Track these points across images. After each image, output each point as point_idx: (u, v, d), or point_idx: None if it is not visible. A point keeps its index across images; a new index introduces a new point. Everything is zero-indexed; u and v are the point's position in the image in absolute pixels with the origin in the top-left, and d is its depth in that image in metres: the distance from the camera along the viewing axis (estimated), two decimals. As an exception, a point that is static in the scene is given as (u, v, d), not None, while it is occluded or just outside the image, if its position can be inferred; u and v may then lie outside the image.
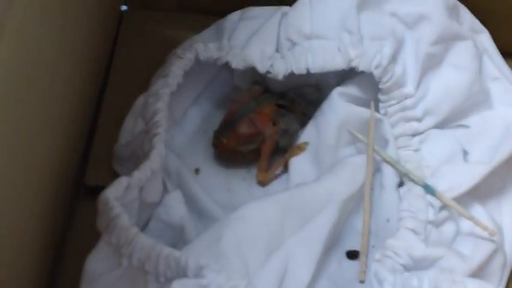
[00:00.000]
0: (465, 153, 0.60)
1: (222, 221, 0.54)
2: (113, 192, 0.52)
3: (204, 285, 0.48)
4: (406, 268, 0.54)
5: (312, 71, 0.60)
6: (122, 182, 0.53)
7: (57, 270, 0.59)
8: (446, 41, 0.61)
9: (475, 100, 0.61)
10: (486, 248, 0.56)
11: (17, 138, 0.48)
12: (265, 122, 0.61)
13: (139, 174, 0.54)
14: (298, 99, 0.64)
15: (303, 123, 0.63)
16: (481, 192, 0.59)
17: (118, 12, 0.71)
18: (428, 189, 0.57)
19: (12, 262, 0.50)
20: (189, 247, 0.53)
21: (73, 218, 0.61)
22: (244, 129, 0.61)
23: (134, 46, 0.69)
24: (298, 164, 0.61)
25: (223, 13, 0.66)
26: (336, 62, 0.60)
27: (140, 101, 0.61)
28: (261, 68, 0.60)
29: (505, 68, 0.64)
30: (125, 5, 0.71)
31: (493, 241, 0.56)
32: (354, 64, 0.59)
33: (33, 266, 0.55)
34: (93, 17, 0.63)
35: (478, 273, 0.55)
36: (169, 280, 0.49)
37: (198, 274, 0.48)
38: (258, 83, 0.64)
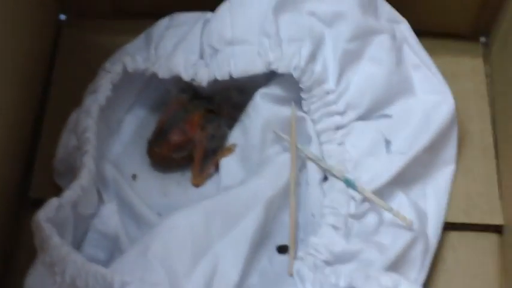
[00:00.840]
0: (388, 142, 0.62)
1: (149, 233, 0.56)
2: (44, 214, 0.54)
3: None
4: (328, 263, 0.56)
5: (235, 76, 0.61)
6: (53, 203, 0.55)
7: (5, 283, 0.60)
8: (363, 36, 0.62)
9: (396, 90, 0.63)
10: (405, 237, 0.57)
11: None
12: (194, 129, 0.63)
13: (70, 193, 0.56)
14: (224, 103, 0.65)
15: (231, 126, 0.65)
16: (405, 179, 0.61)
17: (56, 22, 0.71)
18: (349, 183, 0.59)
19: None
20: (118, 261, 0.54)
21: (19, 231, 0.62)
22: (175, 137, 0.62)
23: (74, 55, 0.70)
24: (228, 164, 0.63)
25: (157, 15, 0.66)
26: (256, 66, 0.61)
27: (73, 116, 0.62)
28: (186, 76, 0.61)
29: (424, 56, 0.65)
30: (62, 14, 0.72)
31: (412, 230, 0.57)
32: (273, 67, 0.61)
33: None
34: (30, 28, 0.64)
35: (399, 262, 0.57)
36: None
37: None
38: (185, 89, 0.65)
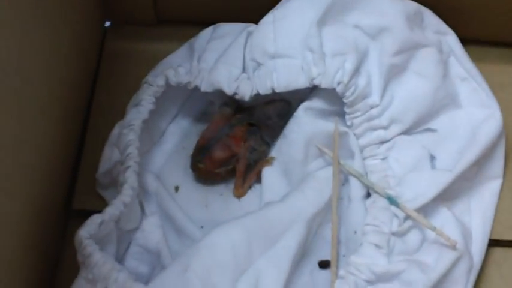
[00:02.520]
0: (432, 158, 0.61)
1: (190, 250, 0.56)
2: (86, 231, 0.55)
3: None
4: (369, 283, 0.56)
5: (277, 91, 0.61)
6: (95, 219, 0.55)
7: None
8: (408, 50, 0.61)
9: (441, 104, 0.62)
10: (449, 256, 0.56)
11: (12, 171, 0.51)
12: (238, 143, 0.63)
13: (112, 210, 0.57)
14: (264, 118, 0.64)
15: (272, 137, 0.64)
16: (449, 195, 0.60)
17: (102, 28, 0.71)
18: (392, 201, 0.58)
19: (7, 284, 0.53)
20: (159, 278, 0.55)
21: (63, 241, 0.62)
22: (219, 154, 0.62)
23: (117, 61, 0.70)
24: (270, 178, 0.63)
25: (199, 23, 0.67)
26: (299, 81, 0.61)
27: (115, 130, 0.62)
28: (228, 90, 0.61)
29: (472, 68, 0.64)
30: (108, 20, 0.72)
31: (456, 250, 0.56)
32: (316, 82, 0.60)
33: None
34: (78, 34, 0.65)
35: (442, 281, 0.56)
36: None
37: None
38: (228, 103, 0.65)
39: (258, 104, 0.65)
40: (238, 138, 0.63)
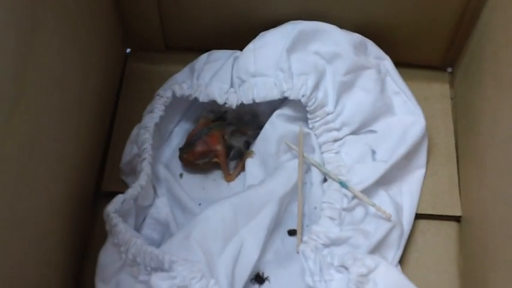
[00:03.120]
0: (373, 152, 0.62)
1: (191, 222, 0.57)
2: (112, 207, 0.56)
3: (173, 276, 0.51)
4: (326, 246, 0.57)
5: (257, 101, 0.61)
6: (119, 198, 0.57)
7: (84, 260, 0.61)
8: (355, 71, 0.62)
9: (379, 111, 0.62)
10: (385, 226, 0.58)
11: (49, 165, 0.52)
12: (214, 142, 0.63)
13: (132, 191, 0.58)
14: (237, 122, 0.65)
15: (247, 139, 0.65)
16: (386, 180, 0.61)
17: (124, 55, 0.72)
18: (343, 184, 0.59)
19: (45, 255, 0.53)
20: (167, 244, 0.56)
21: (94, 218, 0.63)
22: (199, 148, 0.63)
23: (136, 79, 0.70)
24: (251, 168, 0.64)
25: (198, 50, 0.67)
26: (273, 94, 0.61)
27: (135, 131, 0.63)
28: (220, 100, 0.62)
29: (403, 85, 0.64)
30: (128, 48, 0.72)
31: (390, 221, 0.58)
32: (286, 95, 0.61)
33: (64, 259, 0.57)
34: (105, 58, 0.65)
35: (380, 245, 0.58)
36: (153, 269, 0.53)
37: (170, 267, 0.52)
38: (214, 111, 0.66)
39: (234, 114, 0.66)
40: (214, 137, 0.63)
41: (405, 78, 0.65)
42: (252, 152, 0.64)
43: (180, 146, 0.64)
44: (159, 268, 0.53)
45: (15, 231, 0.47)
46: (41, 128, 0.50)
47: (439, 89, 0.69)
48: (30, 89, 0.46)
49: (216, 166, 0.65)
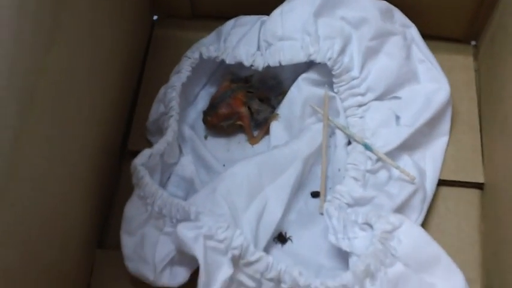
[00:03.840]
0: (397, 118, 0.62)
1: (217, 178, 0.57)
2: (139, 160, 0.56)
3: (199, 226, 0.51)
4: (349, 205, 0.57)
5: (283, 64, 0.61)
6: (146, 152, 0.57)
7: (110, 214, 0.62)
8: (381, 37, 0.62)
9: (404, 78, 0.63)
10: (409, 188, 0.58)
11: (79, 118, 0.52)
12: (238, 104, 0.63)
13: (158, 146, 0.58)
14: (261, 86, 0.65)
15: (268, 103, 0.65)
16: (410, 145, 0.61)
17: (151, 22, 0.72)
18: (367, 147, 0.60)
19: (75, 209, 0.54)
20: (193, 197, 0.56)
21: (120, 175, 0.64)
22: (223, 110, 0.63)
23: (163, 45, 0.70)
24: (276, 130, 0.64)
25: (225, 17, 0.67)
26: (300, 57, 0.61)
27: (162, 90, 0.63)
28: (246, 63, 0.62)
29: (428, 53, 0.64)
30: (156, 15, 0.73)
31: (414, 184, 0.58)
32: (312, 58, 0.61)
33: (91, 213, 0.58)
34: (133, 25, 0.66)
35: (403, 207, 0.58)
36: (178, 221, 0.53)
37: (197, 218, 0.52)
38: (233, 73, 0.66)
39: (257, 78, 0.65)
40: (238, 100, 0.63)
41: (430, 49, 0.65)
42: (277, 114, 0.64)
43: (204, 109, 0.64)
44: (185, 219, 0.53)
45: (48, 183, 0.47)
46: (72, 80, 0.50)
47: (463, 61, 0.69)
48: (62, 43, 0.47)
49: (240, 129, 0.65)
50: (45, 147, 0.46)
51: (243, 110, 0.63)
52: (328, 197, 0.58)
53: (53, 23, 0.45)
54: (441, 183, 0.62)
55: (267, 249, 0.57)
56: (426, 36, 0.66)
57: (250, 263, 0.51)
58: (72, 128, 0.51)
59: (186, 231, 0.51)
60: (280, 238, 0.59)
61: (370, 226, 0.54)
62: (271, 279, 0.51)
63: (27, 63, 0.42)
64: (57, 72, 0.47)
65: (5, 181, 0.40)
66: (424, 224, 0.60)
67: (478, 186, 0.63)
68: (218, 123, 0.63)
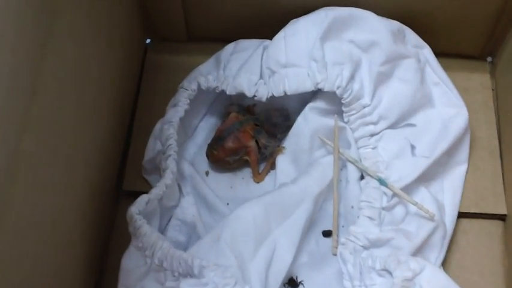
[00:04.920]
0: (413, 147, 0.58)
1: (220, 223, 0.53)
2: (136, 208, 0.52)
3: (204, 283, 0.47)
4: (365, 247, 0.53)
5: (288, 93, 0.57)
6: (143, 199, 0.53)
7: (104, 261, 0.58)
8: (393, 60, 0.58)
9: (419, 104, 0.59)
10: (428, 226, 0.54)
11: (72, 158, 0.49)
12: (247, 138, 0.59)
13: (156, 190, 0.54)
14: (267, 122, 0.61)
15: (274, 137, 0.61)
16: (427, 177, 0.57)
17: (143, 46, 0.68)
18: (382, 182, 0.56)
19: (68, 253, 0.50)
20: (196, 246, 0.52)
21: (115, 217, 0.60)
22: (230, 144, 0.58)
23: (157, 71, 0.66)
24: (283, 165, 0.60)
25: (223, 40, 0.63)
26: (306, 85, 0.57)
27: (158, 126, 0.59)
28: (249, 93, 0.58)
29: (443, 75, 0.60)
30: (148, 38, 0.68)
31: (433, 220, 0.54)
32: (320, 86, 0.57)
33: (84, 258, 0.54)
34: (125, 49, 0.62)
35: (423, 246, 0.54)
36: (181, 275, 0.49)
37: (200, 273, 0.48)
38: (234, 103, 0.62)
39: (261, 110, 0.62)
40: (247, 133, 0.59)
41: (443, 68, 0.61)
42: (283, 147, 0.60)
43: (209, 142, 0.60)
44: (188, 274, 0.49)
45: (35, 230, 0.44)
46: (60, 120, 0.46)
47: (479, 80, 0.65)
48: (49, 79, 0.43)
49: (244, 165, 0.61)
50: (36, 199, 0.43)
51: (252, 144, 0.59)
52: (342, 239, 0.54)
53: (39, 56, 0.41)
54: (461, 215, 0.59)
55: (277, 296, 0.53)
56: (439, 53, 0.62)
57: (261, 321, 0.47)
58: (64, 176, 0.47)
59: (189, 290, 0.47)
60: (292, 283, 0.55)
61: (389, 272, 0.50)
62: (284, 335, 0.47)
63: (12, 122, 0.37)
64: (44, 121, 0.43)
65: None
66: (444, 261, 0.56)
67: (500, 217, 0.59)
68: (224, 158, 0.59)
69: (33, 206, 0.42)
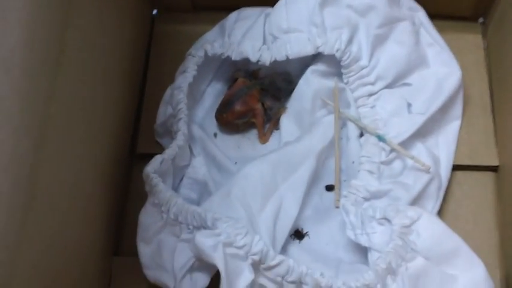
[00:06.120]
0: (409, 105, 0.61)
1: (230, 180, 0.57)
2: (151, 167, 0.55)
3: (217, 234, 0.50)
4: (366, 199, 0.57)
5: (290, 57, 0.60)
6: (157, 159, 0.56)
7: (123, 218, 0.61)
8: (389, 24, 0.60)
9: (414, 64, 0.61)
10: (424, 178, 0.57)
11: (89, 130, 0.52)
12: (254, 101, 0.62)
13: (170, 151, 0.57)
14: (271, 87, 0.64)
15: (283, 97, 0.64)
16: (422, 133, 0.60)
17: (150, 17, 0.70)
18: (380, 138, 0.59)
19: (90, 219, 0.54)
20: (208, 202, 0.56)
21: (131, 178, 0.63)
22: (239, 107, 0.61)
23: (165, 41, 0.69)
24: (287, 125, 0.63)
25: (226, 9, 0.65)
26: (307, 49, 0.60)
27: (168, 92, 0.62)
28: (253, 58, 0.61)
29: (437, 36, 0.63)
30: (155, 9, 0.71)
31: (429, 173, 0.57)
32: (320, 50, 0.60)
33: (106, 220, 0.57)
34: (133, 20, 0.65)
35: (419, 197, 0.57)
36: (195, 228, 0.53)
37: (214, 224, 0.51)
38: (240, 69, 0.64)
39: (266, 74, 0.64)
40: (254, 97, 0.62)
41: (437, 30, 0.64)
42: (285, 107, 0.63)
43: (218, 106, 0.63)
44: (202, 226, 0.52)
45: (62, 188, 0.47)
46: (80, 89, 0.49)
47: (472, 40, 0.68)
48: (70, 52, 0.46)
49: (250, 127, 0.64)
50: (60, 164, 0.46)
51: (258, 107, 0.62)
52: (344, 192, 0.58)
53: (58, 46, 0.44)
54: (456, 168, 0.62)
55: (285, 247, 0.57)
56: (433, 15, 0.65)
57: (271, 267, 0.51)
58: (83, 142, 0.51)
59: (204, 240, 0.50)
60: (298, 235, 0.58)
61: (388, 221, 0.53)
62: (292, 282, 0.51)
63: (37, 92, 0.41)
64: (66, 89, 0.46)
65: (28, 199, 0.40)
66: (440, 211, 0.60)
67: (493, 169, 0.62)
68: (233, 120, 0.62)
69: (59, 166, 0.46)
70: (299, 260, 0.52)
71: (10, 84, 0.35)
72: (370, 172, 0.58)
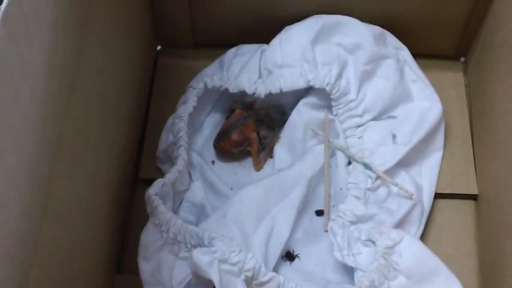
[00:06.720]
0: (394, 136, 0.65)
1: (226, 203, 0.60)
2: (153, 190, 0.59)
3: (213, 251, 0.54)
4: (352, 223, 0.60)
5: (284, 91, 0.64)
6: (159, 182, 0.59)
7: (125, 240, 0.64)
8: (376, 61, 0.65)
9: (399, 98, 0.65)
10: (407, 204, 0.61)
11: (98, 154, 0.55)
12: (250, 131, 0.66)
13: (170, 175, 0.61)
14: (266, 118, 0.67)
15: (276, 127, 0.68)
16: (406, 162, 0.64)
17: (155, 52, 0.75)
18: (367, 166, 0.62)
19: (96, 238, 0.57)
20: (205, 223, 0.59)
21: (133, 201, 0.66)
22: (236, 136, 0.65)
23: (168, 75, 0.73)
24: (280, 153, 0.67)
25: (226, 46, 0.70)
26: (299, 83, 0.64)
27: (170, 121, 0.66)
28: (249, 91, 0.65)
29: (420, 73, 0.67)
30: (159, 45, 0.75)
31: (412, 199, 0.61)
32: (311, 84, 0.64)
33: (109, 240, 0.61)
34: (139, 58, 0.69)
35: (403, 222, 0.60)
36: (193, 246, 0.56)
37: (210, 243, 0.54)
38: (238, 101, 0.68)
39: (262, 106, 0.68)
40: (250, 127, 0.66)
41: (421, 68, 0.68)
42: (279, 137, 0.67)
43: (216, 135, 0.66)
44: (199, 245, 0.55)
45: (74, 201, 0.50)
46: (91, 113, 0.53)
47: (453, 77, 0.72)
48: (84, 78, 0.50)
49: (246, 155, 0.67)
50: (72, 180, 0.49)
51: (254, 136, 0.66)
52: (332, 216, 0.61)
53: (74, 72, 0.48)
54: (437, 196, 0.65)
55: (276, 268, 0.60)
56: (417, 55, 0.69)
57: (262, 283, 0.54)
58: (93, 164, 0.54)
59: (201, 256, 0.53)
60: (289, 256, 0.62)
61: (373, 242, 0.57)
62: (282, 297, 0.54)
63: (55, 113, 0.45)
64: (79, 115, 0.49)
65: (39, 219, 0.43)
66: (423, 235, 0.63)
67: (473, 197, 0.66)
68: (230, 148, 0.66)
69: (72, 182, 0.49)
70: (290, 279, 0.55)
71: (33, 104, 0.39)
72: (357, 197, 0.61)
